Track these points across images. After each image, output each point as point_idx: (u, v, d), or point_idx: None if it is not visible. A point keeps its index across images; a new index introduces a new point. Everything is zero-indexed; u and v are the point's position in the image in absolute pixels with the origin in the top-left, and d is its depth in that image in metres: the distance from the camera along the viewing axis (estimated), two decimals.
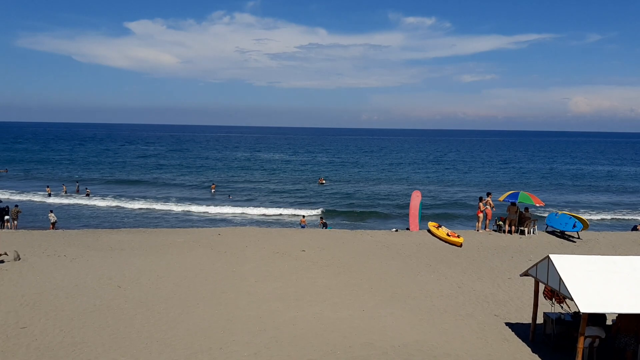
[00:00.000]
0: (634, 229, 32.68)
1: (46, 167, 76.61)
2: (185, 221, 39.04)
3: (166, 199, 50.05)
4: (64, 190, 51.42)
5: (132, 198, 49.97)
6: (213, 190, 55.71)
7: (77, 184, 54.43)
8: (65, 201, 46.87)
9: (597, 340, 13.46)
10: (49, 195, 48.77)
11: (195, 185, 61.17)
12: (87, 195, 49.86)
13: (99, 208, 44.50)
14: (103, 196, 49.99)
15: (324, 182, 64.11)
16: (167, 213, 43.03)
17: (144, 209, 44.62)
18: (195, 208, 44.92)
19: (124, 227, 32.37)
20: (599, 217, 42.58)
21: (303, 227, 32.58)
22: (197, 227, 32.78)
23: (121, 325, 15.09)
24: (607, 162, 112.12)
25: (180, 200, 49.56)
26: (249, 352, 13.52)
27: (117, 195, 50.79)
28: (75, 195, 50.12)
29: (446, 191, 58.52)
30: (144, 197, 50.73)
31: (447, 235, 26.63)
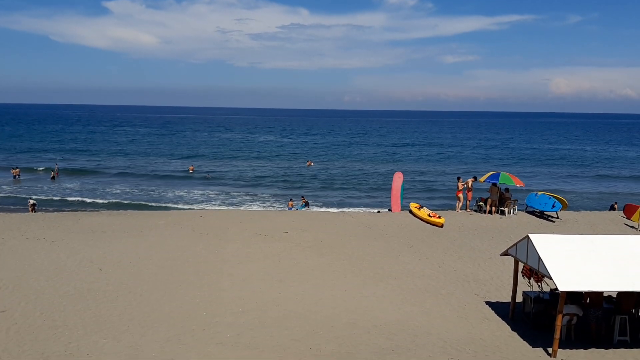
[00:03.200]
0: (611, 208, 33.21)
1: (33, 151, 75.30)
2: (167, 202, 38.76)
3: (146, 180, 49.62)
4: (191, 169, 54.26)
5: (112, 180, 49.47)
6: (191, 171, 55.32)
7: (57, 165, 53.55)
8: (38, 184, 46.09)
9: (575, 318, 13.72)
10: (15, 177, 47.70)
11: (174, 166, 60.60)
12: (53, 178, 48.50)
13: (78, 190, 43.94)
14: (84, 178, 49.39)
15: (312, 164, 64.04)
16: (148, 194, 42.66)
17: (124, 190, 44.19)
18: (176, 190, 44.60)
19: (105, 209, 32.10)
20: (577, 196, 43.18)
21: (290, 209, 32.59)
22: (179, 208, 32.62)
23: (103, 308, 15.03)
24: (586, 143, 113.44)
25: (160, 181, 49.15)
26: (231, 333, 13.57)
27: (97, 176, 50.24)
28: (52, 178, 49.11)
29: (428, 172, 58.83)
30: (124, 179, 50.24)
31: (429, 215, 26.84)
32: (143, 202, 38.89)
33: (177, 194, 43.17)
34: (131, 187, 45.94)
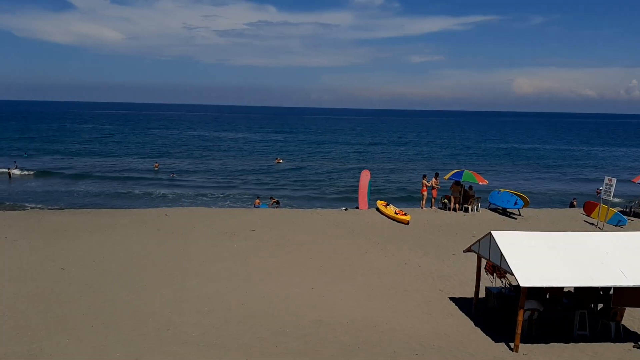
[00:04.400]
0: (571, 205, 34.07)
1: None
2: (131, 201, 38.17)
3: (110, 178, 48.80)
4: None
5: (75, 178, 48.48)
6: (156, 169, 54.60)
7: (15, 163, 52.08)
8: None
9: (536, 313, 14.08)
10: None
11: (140, 163, 59.63)
12: (10, 177, 47.07)
13: (38, 187, 42.93)
14: (46, 175, 48.33)
15: (280, 161, 63.92)
16: (112, 192, 41.95)
17: (86, 189, 43.35)
18: (141, 188, 43.97)
19: (67, 208, 31.46)
20: (539, 194, 44.13)
21: (257, 207, 32.45)
22: (143, 207, 32.17)
23: (66, 308, 14.77)
24: (547, 141, 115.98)
25: (124, 179, 48.36)
26: (197, 332, 13.50)
27: (60, 175, 49.20)
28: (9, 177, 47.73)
29: (395, 170, 59.38)
30: (88, 177, 49.30)
31: (395, 213, 27.11)
32: (107, 201, 38.25)
33: (141, 192, 42.52)
34: (95, 185, 45.14)
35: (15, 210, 30.70)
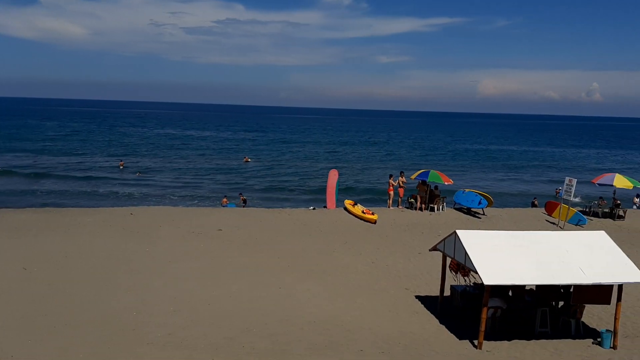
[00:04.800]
0: (532, 204, 34.82)
1: None
2: (95, 199, 37.49)
3: (74, 177, 47.82)
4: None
5: (38, 177, 47.35)
6: (121, 167, 53.77)
7: None
8: None
9: (499, 311, 14.36)
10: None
11: (105, 162, 58.56)
12: None
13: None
14: (8, 174, 47.00)
15: (249, 160, 63.62)
16: (76, 191, 41.13)
17: (50, 187, 42.42)
18: (104, 186, 43.22)
19: (30, 207, 30.72)
20: (502, 194, 44.93)
21: (225, 207, 32.23)
22: (108, 206, 31.64)
23: (28, 309, 14.45)
24: (511, 142, 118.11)
25: (89, 177, 47.46)
26: (163, 332, 13.37)
27: (22, 174, 47.99)
28: None
29: (362, 169, 59.72)
30: (51, 175, 48.22)
31: (362, 212, 27.29)
32: (71, 200, 37.50)
33: (106, 190, 41.78)
34: (58, 184, 44.16)
35: None
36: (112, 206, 31.01)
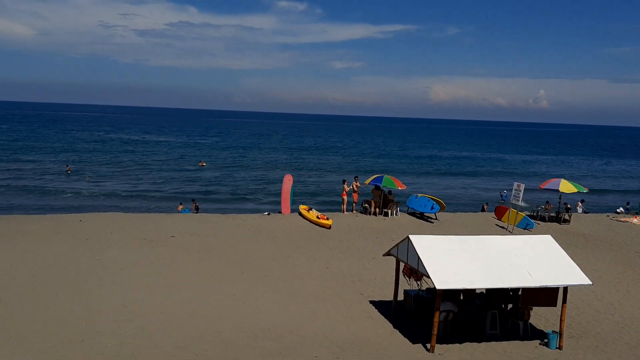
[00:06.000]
0: (482, 209, 35.65)
1: None
2: (40, 207, 36.26)
3: (16, 180, 46.24)
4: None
5: None
6: (69, 172, 52.29)
7: None
8: None
9: (451, 314, 14.62)
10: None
11: (50, 166, 56.66)
12: None
13: None
14: None
15: (204, 164, 62.89)
16: (20, 197, 39.71)
17: None
18: (52, 192, 41.89)
19: None
20: (453, 198, 45.82)
21: (184, 211, 31.78)
22: (55, 212, 30.69)
23: None
24: (462, 148, 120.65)
25: (33, 182, 45.92)
26: (113, 342, 13.05)
27: None
28: None
29: (317, 174, 59.91)
30: None
31: (317, 217, 27.34)
32: (15, 206, 36.19)
33: (54, 196, 40.53)
34: (1, 189, 42.55)
35: None
36: (61, 212, 30.10)
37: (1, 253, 20.06)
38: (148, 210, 35.81)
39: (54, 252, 20.51)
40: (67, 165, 54.63)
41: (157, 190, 45.51)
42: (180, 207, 33.04)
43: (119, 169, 57.79)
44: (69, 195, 41.23)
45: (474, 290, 14.99)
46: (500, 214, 31.03)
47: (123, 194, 42.69)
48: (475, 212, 35.10)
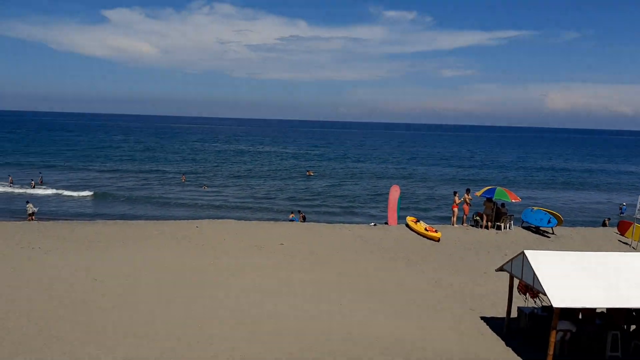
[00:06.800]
0: (603, 224, 33.36)
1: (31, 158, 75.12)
2: (160, 212, 38.55)
3: (141, 189, 49.56)
4: (10, 180, 48.92)
5: (109, 189, 49.35)
6: (183, 181, 55.19)
7: (40, 175, 52.95)
8: (30, 191, 45.64)
9: (569, 334, 13.76)
10: (11, 184, 47.79)
11: (171, 176, 60.23)
12: (33, 187, 47.21)
13: (69, 199, 43.79)
14: (75, 187, 49.09)
15: (312, 174, 64.18)
16: (144, 204, 42.51)
17: (118, 200, 44.06)
18: (170, 199, 44.51)
19: (100, 219, 32.00)
20: (573, 212, 43.28)
21: (292, 220, 32.63)
22: (173, 219, 32.53)
23: (97, 319, 14.96)
24: (581, 158, 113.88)
25: (155, 191, 49.01)
26: (226, 345, 13.53)
27: (95, 186, 50.12)
28: (38, 186, 48.20)
29: (425, 186, 58.91)
30: (119, 188, 50.14)
31: (425, 229, 26.86)
32: (137, 212, 38.75)
33: (173, 203, 43.03)
34: (127, 197, 45.77)
35: (49, 220, 31.30)
36: (179, 219, 31.87)
37: (127, 256, 21.57)
38: (258, 217, 36.98)
39: (172, 256, 21.73)
40: (182, 175, 57.75)
41: (267, 198, 46.93)
42: (292, 215, 33.99)
43: (233, 178, 60.25)
44: (186, 202, 43.58)
45: (594, 309, 14.03)
46: (623, 230, 28.84)
47: (236, 202, 44.45)
48: (595, 226, 32.91)
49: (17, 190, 46.07)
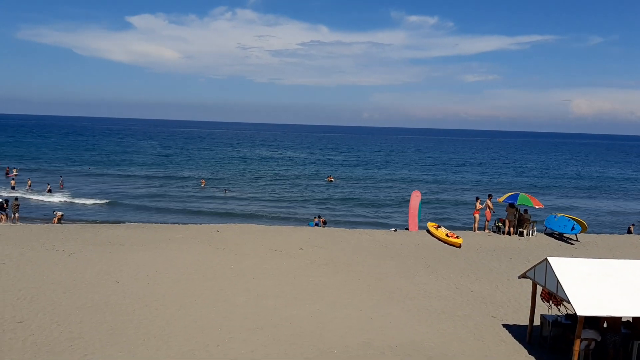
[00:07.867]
0: (628, 231, 32.77)
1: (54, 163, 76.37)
2: (183, 216, 38.91)
3: (161, 194, 50.05)
4: (29, 184, 49.17)
5: (128, 193, 49.89)
6: (203, 185, 55.59)
7: (61, 178, 53.71)
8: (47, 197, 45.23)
9: (593, 343, 13.49)
10: (30, 188, 47.97)
11: (192, 180, 60.57)
12: (49, 191, 47.01)
13: (82, 207, 44.29)
14: (92, 193, 49.20)
15: (332, 180, 64.18)
16: (164, 208, 42.88)
17: (140, 204, 44.52)
18: (191, 203, 44.87)
19: (123, 222, 32.35)
20: (597, 219, 42.58)
21: (315, 224, 32.73)
22: (195, 223, 32.74)
23: (119, 321, 15.10)
24: (606, 164, 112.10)
25: (173, 196, 49.45)
26: (246, 349, 13.54)
27: (115, 193, 50.75)
28: (58, 190, 48.49)
29: (446, 191, 58.48)
30: (141, 192, 50.69)
31: (447, 235, 26.63)
32: (160, 216, 39.11)
33: (194, 208, 43.35)
34: (147, 198, 46.23)
35: (74, 223, 31.76)
36: (200, 223, 32.08)
37: (150, 259, 21.73)
38: (278, 222, 37.09)
39: (194, 259, 21.85)
40: (202, 180, 58.16)
41: (286, 203, 47.02)
42: (315, 219, 34.08)
43: (254, 183, 60.55)
44: (207, 207, 43.87)
45: (619, 318, 13.74)
46: None
47: (256, 207, 44.62)
48: (621, 234, 32.30)
49: (34, 197, 44.53)
